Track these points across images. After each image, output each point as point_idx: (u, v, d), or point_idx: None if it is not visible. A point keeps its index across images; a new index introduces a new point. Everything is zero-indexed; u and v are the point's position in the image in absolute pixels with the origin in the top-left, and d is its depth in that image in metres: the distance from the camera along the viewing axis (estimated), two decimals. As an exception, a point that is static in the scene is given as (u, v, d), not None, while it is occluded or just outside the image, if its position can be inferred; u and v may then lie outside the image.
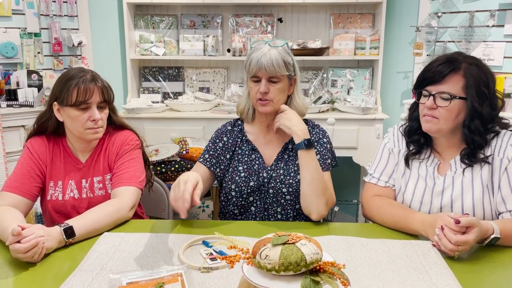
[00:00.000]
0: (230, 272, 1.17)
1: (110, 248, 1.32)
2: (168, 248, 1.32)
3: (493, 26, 2.74)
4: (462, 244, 1.23)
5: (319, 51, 3.21)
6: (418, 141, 1.56)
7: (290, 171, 1.62)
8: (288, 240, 0.94)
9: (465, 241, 1.23)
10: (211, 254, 1.26)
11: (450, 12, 2.94)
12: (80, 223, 1.38)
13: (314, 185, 1.52)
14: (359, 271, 1.19)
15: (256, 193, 1.63)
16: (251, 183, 1.62)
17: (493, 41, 2.75)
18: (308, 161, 1.54)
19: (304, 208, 1.56)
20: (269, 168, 1.64)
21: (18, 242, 1.21)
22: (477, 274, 1.20)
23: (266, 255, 0.92)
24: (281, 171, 1.62)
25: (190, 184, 1.27)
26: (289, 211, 1.63)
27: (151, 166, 1.82)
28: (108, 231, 1.44)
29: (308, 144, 1.54)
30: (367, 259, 1.26)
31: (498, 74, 2.63)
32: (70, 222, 1.37)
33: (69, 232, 1.33)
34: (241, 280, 0.99)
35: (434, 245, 1.31)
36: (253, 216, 1.65)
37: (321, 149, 1.65)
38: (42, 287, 1.13)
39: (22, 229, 1.22)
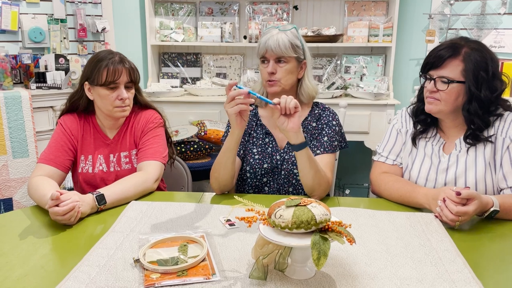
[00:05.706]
0: (247, 235, 1.29)
1: (138, 214, 1.44)
2: (191, 215, 1.44)
3: (504, 13, 2.79)
4: (462, 215, 1.31)
5: (333, 38, 3.28)
6: (424, 120, 1.65)
7: None
8: (300, 203, 1.05)
9: (465, 212, 1.31)
10: (229, 220, 1.38)
11: (463, 0, 2.98)
12: (110, 191, 1.51)
13: (317, 177, 1.56)
14: (365, 238, 1.29)
15: (270, 174, 1.73)
16: (265, 165, 1.72)
17: (504, 29, 2.80)
18: (310, 159, 1.52)
19: (306, 191, 1.62)
20: (282, 151, 1.73)
21: (57, 206, 1.34)
22: (475, 243, 1.28)
23: (281, 215, 1.03)
24: (293, 153, 1.71)
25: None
26: (300, 190, 1.72)
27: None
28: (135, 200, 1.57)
29: (306, 143, 1.50)
30: (373, 227, 1.36)
31: (508, 60, 2.68)
32: (101, 190, 1.50)
33: (100, 199, 1.46)
34: (257, 238, 1.10)
35: (436, 216, 1.41)
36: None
37: (329, 131, 1.73)
38: (78, 245, 1.26)
39: (60, 194, 1.35)
